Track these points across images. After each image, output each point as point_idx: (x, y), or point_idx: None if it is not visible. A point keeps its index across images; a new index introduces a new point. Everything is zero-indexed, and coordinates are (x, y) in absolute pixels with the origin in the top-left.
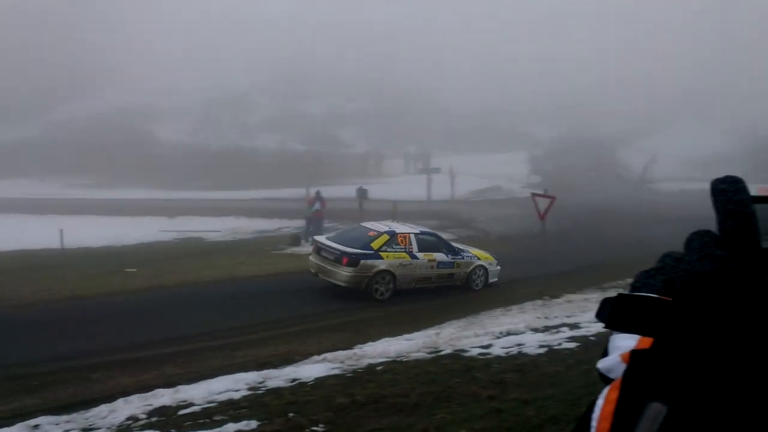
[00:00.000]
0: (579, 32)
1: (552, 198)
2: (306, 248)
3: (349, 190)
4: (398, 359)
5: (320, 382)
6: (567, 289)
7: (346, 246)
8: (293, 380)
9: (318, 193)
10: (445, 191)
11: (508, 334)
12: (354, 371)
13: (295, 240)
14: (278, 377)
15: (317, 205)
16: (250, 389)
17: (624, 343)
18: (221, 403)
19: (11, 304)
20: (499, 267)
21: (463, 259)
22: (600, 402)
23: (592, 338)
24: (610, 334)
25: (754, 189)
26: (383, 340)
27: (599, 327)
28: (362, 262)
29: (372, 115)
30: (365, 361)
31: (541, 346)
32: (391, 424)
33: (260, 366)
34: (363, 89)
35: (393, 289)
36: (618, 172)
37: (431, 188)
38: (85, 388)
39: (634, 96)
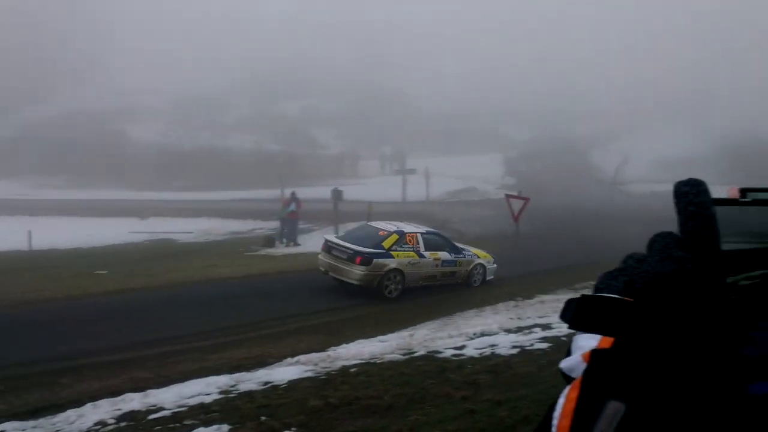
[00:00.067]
0: (553, 36)
1: (526, 199)
2: (281, 250)
3: (324, 191)
4: (372, 361)
5: (293, 384)
6: (540, 289)
7: (358, 245)
8: (266, 383)
9: (293, 194)
10: (421, 192)
11: (482, 335)
12: (327, 373)
13: (270, 241)
14: (251, 380)
15: (293, 206)
16: (221, 393)
17: (586, 343)
18: (192, 407)
19: None
20: (495, 265)
21: (465, 257)
22: (561, 400)
23: (564, 339)
24: (574, 335)
25: (725, 190)
26: (357, 341)
27: None
28: (375, 261)
29: (347, 116)
30: (339, 363)
31: (514, 347)
32: (364, 427)
33: (233, 369)
34: (339, 90)
35: (402, 288)
36: (591, 174)
37: (406, 189)
38: (52, 392)
39: (607, 98)
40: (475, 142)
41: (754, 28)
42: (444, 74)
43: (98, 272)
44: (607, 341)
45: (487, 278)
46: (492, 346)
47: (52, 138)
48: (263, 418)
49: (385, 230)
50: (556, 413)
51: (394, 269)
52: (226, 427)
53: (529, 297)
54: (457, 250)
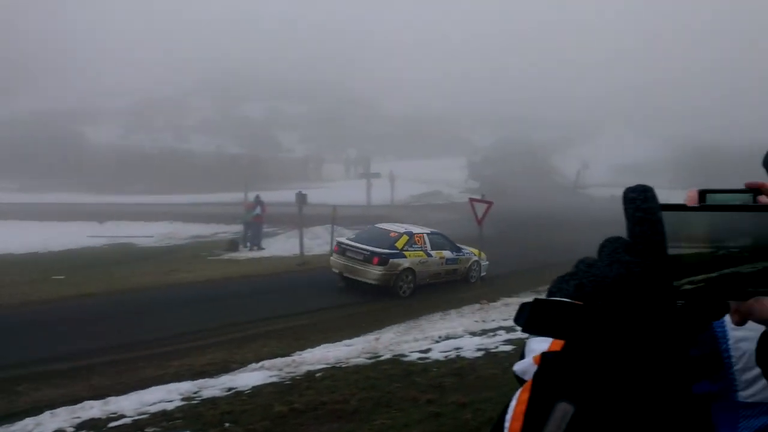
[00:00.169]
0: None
1: (489, 203)
2: (245, 254)
3: (288, 195)
4: (337, 365)
5: (257, 390)
6: (504, 292)
7: (373, 246)
8: (230, 389)
9: (258, 197)
10: (385, 196)
11: (447, 338)
12: (292, 378)
13: (233, 245)
14: (214, 386)
15: (257, 210)
16: (184, 399)
17: (538, 346)
18: (154, 414)
19: None
20: (487, 262)
21: (464, 255)
22: (513, 403)
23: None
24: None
25: (682, 195)
26: (322, 346)
27: None
28: (391, 260)
29: (312, 119)
30: (304, 368)
31: (479, 350)
32: (330, 431)
33: (195, 375)
34: (303, 93)
35: (414, 286)
36: (553, 179)
37: (371, 193)
38: (9, 401)
39: (568, 105)
40: (439, 146)
41: (714, 38)
42: (408, 79)
43: (56, 277)
44: (558, 344)
45: (481, 274)
46: (457, 349)
47: (8, 140)
48: (227, 424)
49: (396, 231)
50: (508, 416)
51: (407, 269)
52: None
53: (493, 300)
54: (458, 249)
